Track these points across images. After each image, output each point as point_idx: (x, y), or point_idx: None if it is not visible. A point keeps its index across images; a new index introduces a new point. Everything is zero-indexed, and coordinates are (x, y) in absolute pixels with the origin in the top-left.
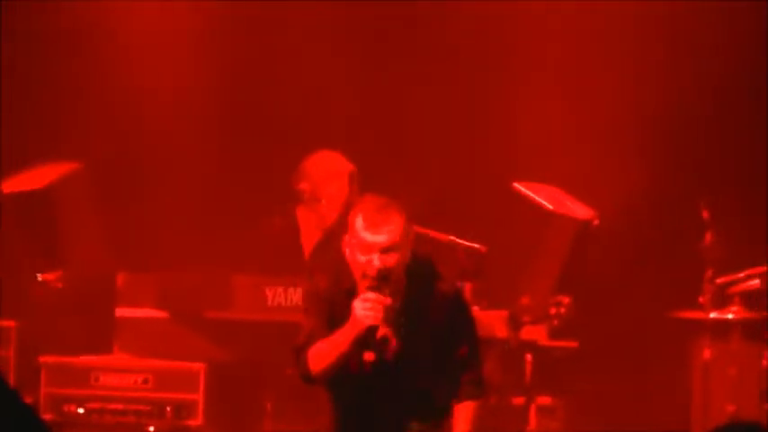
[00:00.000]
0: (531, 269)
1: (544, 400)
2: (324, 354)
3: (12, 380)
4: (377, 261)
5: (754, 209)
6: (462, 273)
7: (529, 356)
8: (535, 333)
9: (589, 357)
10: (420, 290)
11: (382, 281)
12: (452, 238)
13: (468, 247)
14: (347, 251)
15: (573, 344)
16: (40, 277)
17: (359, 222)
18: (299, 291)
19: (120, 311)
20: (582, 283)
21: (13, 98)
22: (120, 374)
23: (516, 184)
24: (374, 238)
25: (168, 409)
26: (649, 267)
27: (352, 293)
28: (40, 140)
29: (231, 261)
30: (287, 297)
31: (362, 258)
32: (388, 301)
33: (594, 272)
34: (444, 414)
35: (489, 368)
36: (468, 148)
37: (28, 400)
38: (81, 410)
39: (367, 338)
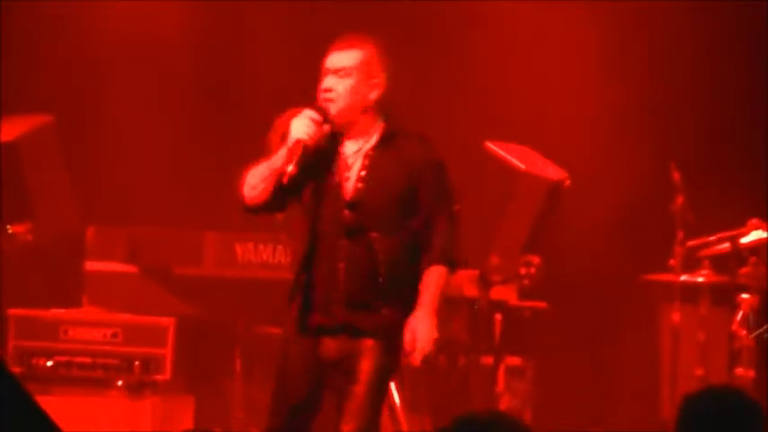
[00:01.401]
0: (502, 229)
1: (513, 360)
2: (257, 172)
3: None
4: (328, 81)
5: (725, 171)
6: None
7: (498, 316)
8: (505, 293)
9: (559, 318)
10: (390, 146)
11: (327, 103)
12: None
13: None
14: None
15: (542, 304)
16: (9, 229)
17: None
18: (270, 247)
19: (90, 265)
20: (552, 243)
21: None
22: (88, 328)
23: (488, 144)
24: (330, 60)
25: (136, 363)
26: (620, 229)
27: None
28: (7, 94)
29: (201, 216)
30: (257, 253)
31: (322, 86)
32: (327, 129)
33: (565, 233)
34: (400, 301)
35: (458, 328)
36: (439, 107)
37: None
38: (49, 363)
39: (301, 158)
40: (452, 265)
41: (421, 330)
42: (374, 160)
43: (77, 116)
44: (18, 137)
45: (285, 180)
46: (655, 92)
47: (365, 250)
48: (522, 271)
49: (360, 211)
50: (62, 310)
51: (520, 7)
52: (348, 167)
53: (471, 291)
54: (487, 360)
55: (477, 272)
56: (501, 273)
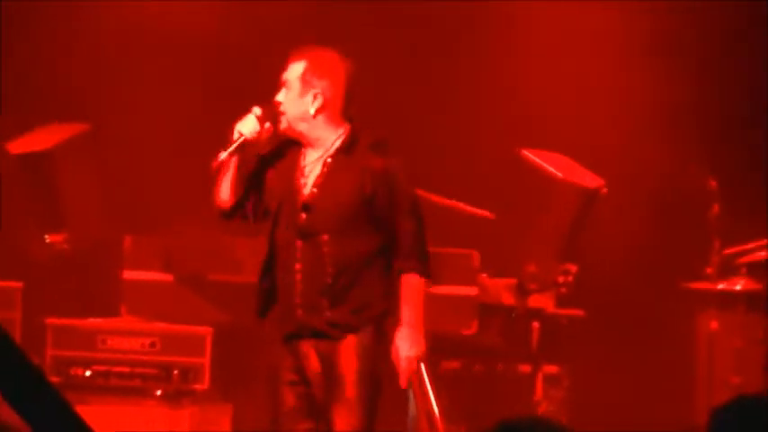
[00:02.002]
0: (539, 237)
1: (550, 368)
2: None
3: (18, 342)
4: (278, 95)
5: (762, 179)
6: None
7: (536, 324)
8: (542, 301)
9: (596, 326)
10: (349, 153)
11: (274, 110)
12: (460, 204)
13: (476, 213)
14: None
15: (579, 312)
16: (46, 239)
17: None
18: None
19: (127, 274)
20: (589, 251)
21: (20, 62)
22: (126, 337)
23: (525, 152)
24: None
25: (175, 372)
26: (657, 237)
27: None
28: (43, 103)
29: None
30: None
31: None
32: (269, 128)
33: (602, 240)
34: (365, 310)
35: (495, 336)
36: (476, 115)
37: (34, 362)
38: (87, 373)
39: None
40: (424, 268)
41: (403, 349)
42: (331, 167)
43: (114, 125)
44: (53, 146)
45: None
46: (693, 98)
47: (317, 252)
48: (560, 279)
49: (313, 214)
50: (100, 320)
51: (557, 11)
52: (306, 175)
53: (509, 299)
54: (525, 368)
55: (514, 280)
56: (538, 281)
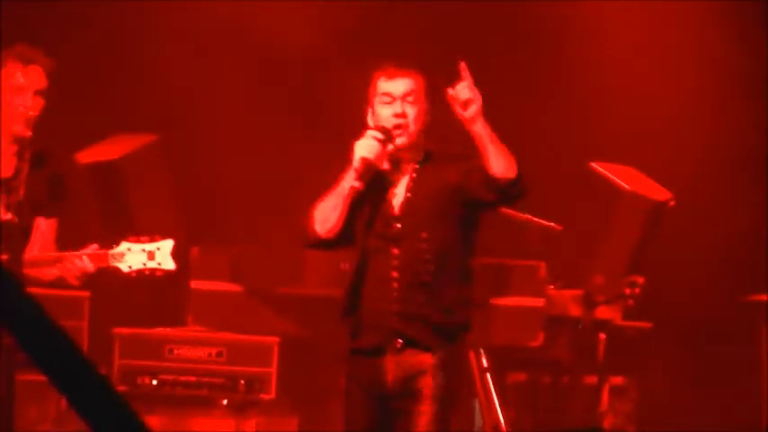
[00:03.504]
0: (606, 249)
1: (617, 380)
2: (327, 205)
3: (85, 351)
4: (398, 107)
5: None
6: (536, 251)
7: (602, 336)
8: (609, 313)
9: (662, 338)
10: (432, 161)
11: (396, 130)
12: (528, 216)
13: (544, 225)
14: (370, 118)
15: (647, 324)
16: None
17: (380, 79)
18: None
19: (195, 284)
20: (656, 263)
21: (91, 72)
22: (193, 347)
23: (593, 164)
24: (396, 85)
25: (241, 382)
26: (722, 250)
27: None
28: (117, 113)
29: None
30: None
31: (386, 111)
32: (390, 149)
33: (669, 253)
34: (454, 321)
35: (562, 347)
36: (544, 127)
37: (101, 371)
38: (154, 382)
39: (365, 175)
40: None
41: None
42: (420, 173)
43: (181, 137)
44: (121, 156)
45: (350, 196)
46: (758, 114)
47: (415, 252)
48: (627, 291)
49: (407, 217)
50: (167, 329)
51: (630, 23)
52: (396, 185)
53: (575, 310)
54: (591, 380)
55: (581, 292)
56: (605, 292)
